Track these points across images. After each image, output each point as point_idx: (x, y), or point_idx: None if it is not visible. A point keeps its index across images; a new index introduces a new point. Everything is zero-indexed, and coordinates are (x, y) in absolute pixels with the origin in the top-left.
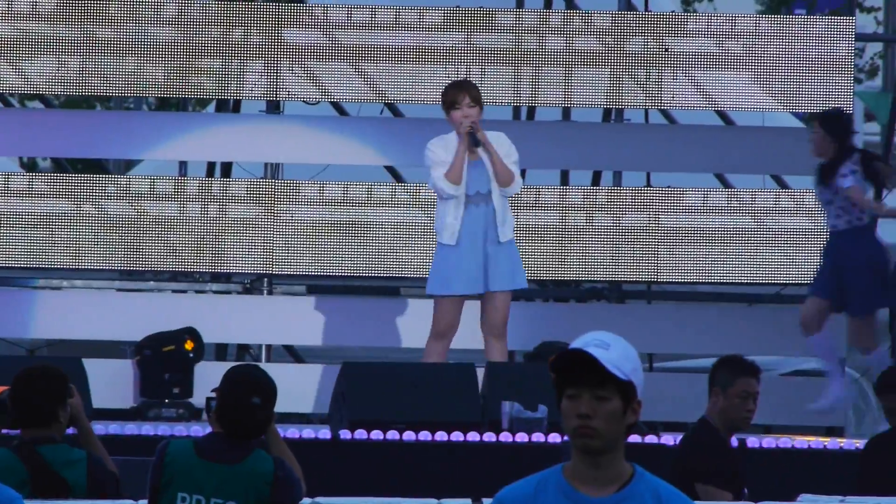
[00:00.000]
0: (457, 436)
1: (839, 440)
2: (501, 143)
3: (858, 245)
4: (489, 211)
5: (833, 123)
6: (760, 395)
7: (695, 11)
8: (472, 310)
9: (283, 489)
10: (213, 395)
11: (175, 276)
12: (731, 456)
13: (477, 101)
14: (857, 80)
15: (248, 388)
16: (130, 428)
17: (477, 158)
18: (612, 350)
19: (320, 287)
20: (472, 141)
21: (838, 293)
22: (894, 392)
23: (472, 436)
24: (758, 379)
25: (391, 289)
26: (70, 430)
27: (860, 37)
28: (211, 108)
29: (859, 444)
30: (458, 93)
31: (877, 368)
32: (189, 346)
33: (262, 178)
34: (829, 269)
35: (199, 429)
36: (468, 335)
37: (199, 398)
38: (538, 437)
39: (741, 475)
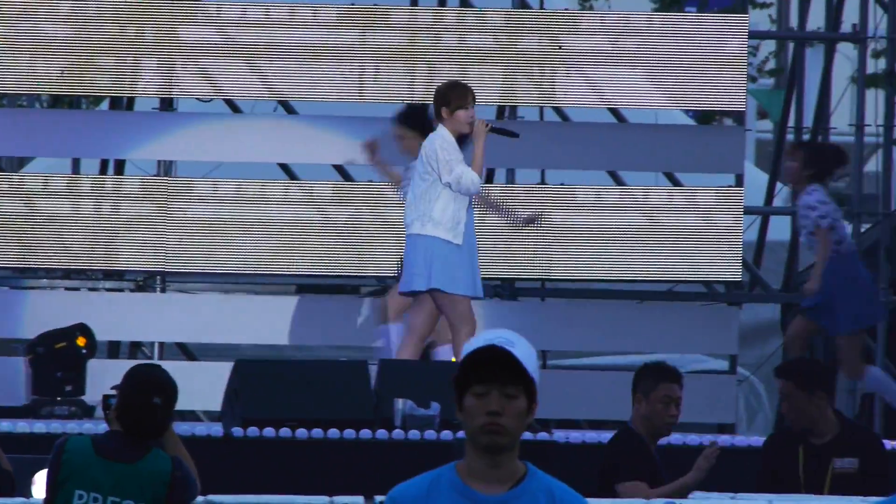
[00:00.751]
0: (349, 433)
1: (731, 437)
2: None
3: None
4: (472, 216)
5: (416, 119)
6: None
7: (591, 8)
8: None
9: (181, 489)
10: (112, 392)
11: (68, 274)
12: (653, 461)
13: (474, 104)
14: (752, 79)
15: (149, 388)
16: (22, 426)
17: None
18: (517, 348)
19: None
20: (510, 134)
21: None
22: (788, 379)
23: (365, 433)
24: (680, 384)
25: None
26: None
27: (753, 34)
28: (104, 105)
29: (751, 441)
30: (467, 93)
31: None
32: (81, 342)
33: (154, 175)
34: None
35: (92, 426)
36: (366, 333)
37: (91, 396)
38: (430, 434)
39: (662, 481)
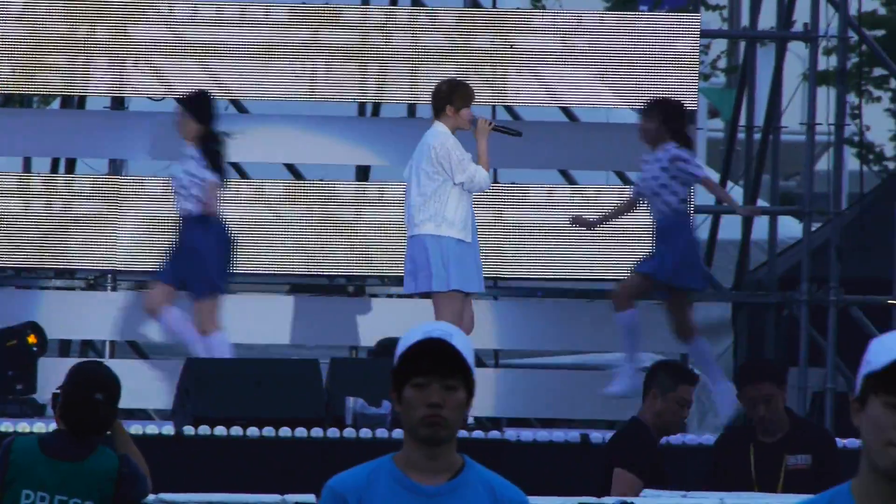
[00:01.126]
0: (301, 431)
1: (682, 436)
2: None
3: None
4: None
5: (197, 105)
6: (600, 391)
7: (543, 7)
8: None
9: (128, 486)
10: (59, 391)
11: (18, 272)
12: (656, 454)
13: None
14: (704, 77)
15: (90, 384)
16: None
17: None
18: (456, 340)
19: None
20: (513, 132)
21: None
22: (755, 382)
23: (316, 431)
24: (695, 388)
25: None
26: None
27: (705, 33)
28: (56, 104)
29: (702, 439)
30: (471, 92)
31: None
32: (32, 339)
33: (106, 174)
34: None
35: (43, 425)
36: (321, 331)
37: (42, 394)
38: (382, 432)
39: (663, 474)
